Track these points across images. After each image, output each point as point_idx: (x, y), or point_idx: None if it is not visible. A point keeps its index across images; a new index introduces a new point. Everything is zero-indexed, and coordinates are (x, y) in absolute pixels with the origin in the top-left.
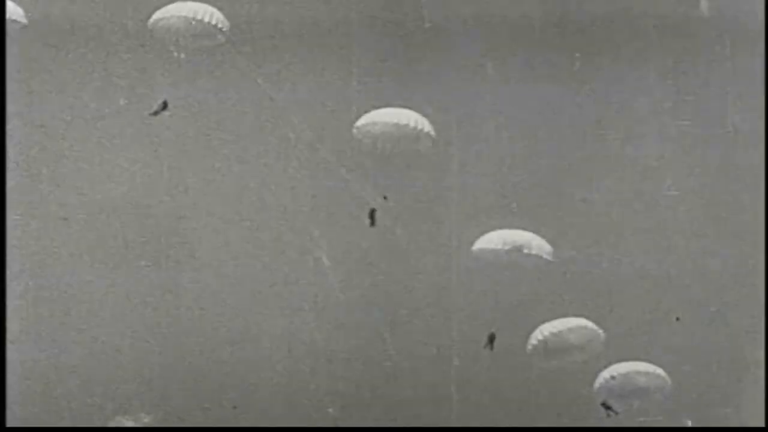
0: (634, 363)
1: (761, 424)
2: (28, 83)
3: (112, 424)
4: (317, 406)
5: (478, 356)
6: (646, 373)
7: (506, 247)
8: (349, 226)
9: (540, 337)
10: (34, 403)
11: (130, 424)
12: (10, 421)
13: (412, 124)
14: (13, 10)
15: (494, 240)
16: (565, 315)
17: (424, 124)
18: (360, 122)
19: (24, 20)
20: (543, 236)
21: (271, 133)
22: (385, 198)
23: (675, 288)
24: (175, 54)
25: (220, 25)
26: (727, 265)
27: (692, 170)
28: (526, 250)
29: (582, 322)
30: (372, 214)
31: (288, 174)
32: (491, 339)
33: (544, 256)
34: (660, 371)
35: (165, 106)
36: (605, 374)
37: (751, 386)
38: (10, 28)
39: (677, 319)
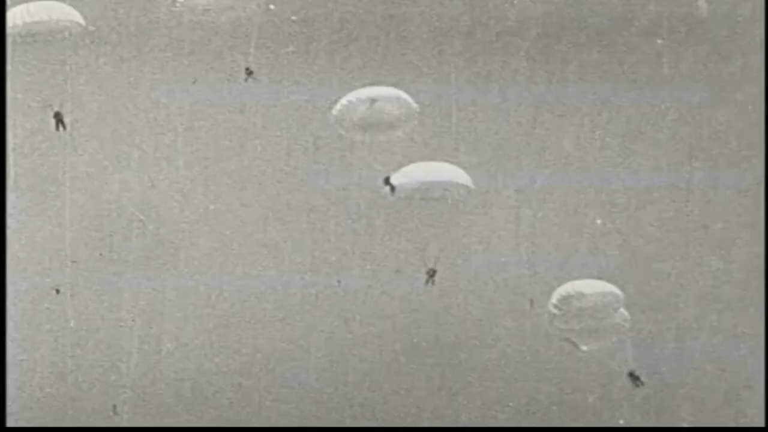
0: (578, 282)
1: (761, 424)
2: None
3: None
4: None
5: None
6: (593, 289)
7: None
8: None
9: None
10: (34, 403)
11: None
12: (10, 421)
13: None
14: (69, 13)
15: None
16: None
17: (458, 177)
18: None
19: (82, 21)
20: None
21: (282, 138)
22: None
23: (675, 288)
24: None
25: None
26: (727, 266)
27: (690, 167)
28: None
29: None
30: (387, 181)
31: (296, 176)
32: (431, 274)
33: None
34: (609, 286)
35: (250, 72)
36: (550, 306)
37: (751, 386)
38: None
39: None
